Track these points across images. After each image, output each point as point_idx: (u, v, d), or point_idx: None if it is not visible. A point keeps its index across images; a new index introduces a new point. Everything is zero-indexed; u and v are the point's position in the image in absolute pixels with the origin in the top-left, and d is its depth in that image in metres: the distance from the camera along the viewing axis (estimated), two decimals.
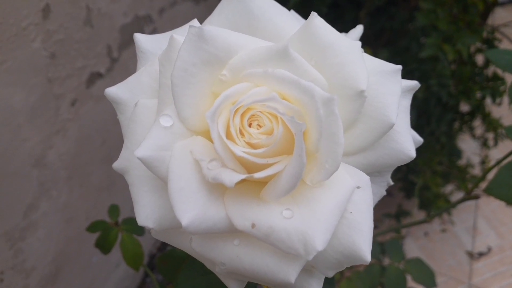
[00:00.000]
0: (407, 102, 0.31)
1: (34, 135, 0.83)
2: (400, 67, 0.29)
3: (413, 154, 0.29)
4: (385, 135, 0.28)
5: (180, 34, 0.27)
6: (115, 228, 0.68)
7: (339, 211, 0.25)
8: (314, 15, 0.28)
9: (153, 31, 1.16)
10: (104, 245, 0.67)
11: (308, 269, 0.28)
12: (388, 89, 0.28)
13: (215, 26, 0.27)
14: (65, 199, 0.97)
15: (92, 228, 0.68)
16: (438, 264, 1.75)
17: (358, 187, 0.26)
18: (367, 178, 0.27)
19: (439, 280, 1.69)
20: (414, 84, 0.31)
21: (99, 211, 1.10)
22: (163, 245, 1.58)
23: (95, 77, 0.97)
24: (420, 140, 0.33)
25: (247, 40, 0.27)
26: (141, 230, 0.69)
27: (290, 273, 0.25)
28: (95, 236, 0.68)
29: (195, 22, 0.30)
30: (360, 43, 0.28)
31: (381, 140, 0.28)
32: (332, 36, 0.28)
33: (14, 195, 0.82)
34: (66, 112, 0.90)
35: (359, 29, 0.33)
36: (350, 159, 0.28)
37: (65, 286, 1.05)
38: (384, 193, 0.31)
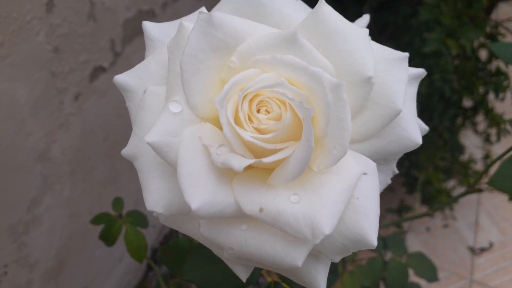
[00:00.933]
0: (413, 90, 0.31)
1: (37, 130, 0.83)
2: (407, 54, 0.29)
3: (419, 140, 0.29)
4: (392, 122, 0.28)
5: (189, 21, 0.28)
6: (119, 221, 0.68)
7: (345, 197, 0.25)
8: (322, 2, 0.28)
9: None
10: (108, 237, 0.67)
11: (315, 255, 0.28)
12: (395, 76, 0.28)
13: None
14: (68, 194, 0.97)
15: (96, 220, 0.69)
16: (440, 259, 1.75)
17: (364, 174, 0.26)
18: (373, 164, 0.27)
19: (441, 275, 1.69)
20: (421, 72, 0.31)
21: (103, 206, 1.11)
22: (166, 240, 1.59)
23: (98, 72, 0.97)
24: (425, 128, 0.33)
25: (255, 27, 0.28)
26: (144, 223, 0.70)
27: (298, 257, 0.25)
28: (98, 230, 0.68)
29: (203, 9, 0.30)
30: (367, 31, 0.28)
31: (387, 127, 0.29)
32: (340, 23, 0.28)
33: (18, 189, 0.83)
34: (69, 107, 0.90)
35: (365, 19, 0.34)
36: (357, 146, 0.29)
37: (68, 280, 1.06)
38: (389, 181, 0.32)
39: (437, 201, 1.47)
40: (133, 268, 1.38)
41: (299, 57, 0.26)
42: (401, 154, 0.31)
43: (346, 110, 0.24)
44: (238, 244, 0.26)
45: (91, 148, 1.02)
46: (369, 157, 0.28)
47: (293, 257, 0.25)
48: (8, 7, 0.69)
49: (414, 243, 1.81)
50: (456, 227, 1.87)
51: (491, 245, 1.79)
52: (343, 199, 0.25)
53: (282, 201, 0.25)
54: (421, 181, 1.44)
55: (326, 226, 0.23)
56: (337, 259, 0.27)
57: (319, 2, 0.28)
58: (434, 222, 1.88)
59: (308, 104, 0.24)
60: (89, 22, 0.90)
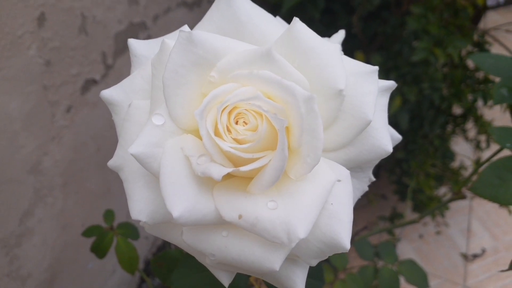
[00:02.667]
0: (384, 101, 0.33)
1: (30, 142, 0.84)
2: (376, 68, 0.30)
3: (389, 149, 0.31)
4: (363, 131, 0.30)
5: (171, 39, 0.29)
6: (110, 233, 0.68)
7: (320, 203, 0.26)
8: (296, 21, 0.30)
9: (148, 38, 1.17)
10: (99, 250, 0.68)
11: (293, 259, 0.29)
12: (366, 89, 0.29)
13: (204, 31, 0.29)
14: (60, 206, 0.97)
15: (87, 232, 0.69)
16: (433, 266, 1.76)
17: (338, 181, 0.28)
18: (347, 172, 0.29)
19: (434, 282, 1.70)
20: (391, 84, 0.33)
21: (95, 217, 1.10)
22: (158, 251, 1.59)
23: (90, 84, 0.98)
24: (398, 137, 0.35)
25: (234, 44, 0.29)
26: (136, 234, 0.70)
27: (275, 261, 0.26)
28: (90, 242, 0.69)
29: (185, 27, 0.31)
30: (339, 46, 0.30)
31: (360, 137, 0.30)
32: (313, 39, 0.29)
33: (10, 202, 0.83)
34: (61, 119, 0.91)
35: (341, 34, 0.35)
36: (332, 154, 0.30)
37: None
38: (366, 188, 0.33)
39: (429, 208, 1.48)
40: (126, 280, 1.38)
41: (274, 72, 0.27)
42: (375, 162, 0.32)
43: (318, 121, 0.25)
44: (219, 250, 0.27)
45: (83, 160, 1.02)
46: (344, 165, 0.29)
47: (271, 261, 0.26)
48: (0, 22, 0.70)
49: (407, 251, 1.82)
50: (449, 234, 1.88)
51: (483, 251, 1.80)
52: (317, 205, 0.26)
53: (260, 208, 0.26)
54: (411, 188, 1.46)
55: (301, 230, 0.25)
56: (314, 263, 0.29)
57: (293, 20, 0.29)
58: (426, 229, 1.89)
59: (283, 115, 0.26)
60: (81, 35, 0.91)
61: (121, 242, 0.67)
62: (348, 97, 0.29)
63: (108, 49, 1.01)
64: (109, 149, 1.10)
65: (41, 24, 0.79)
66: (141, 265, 1.44)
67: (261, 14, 0.32)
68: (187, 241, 0.28)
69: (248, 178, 0.28)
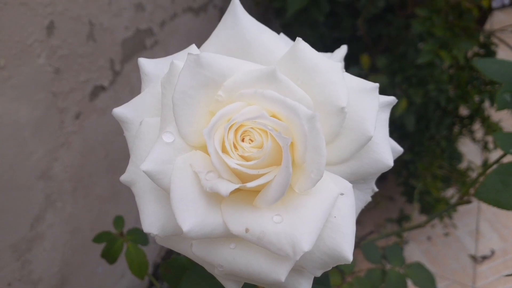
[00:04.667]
0: (385, 116, 0.34)
1: (39, 148, 0.85)
2: (377, 85, 0.31)
3: (390, 163, 0.32)
4: (365, 146, 0.30)
5: (179, 59, 0.31)
6: (120, 239, 0.69)
7: (324, 216, 0.27)
8: (299, 40, 0.31)
9: (154, 44, 1.18)
10: (109, 255, 0.69)
11: (298, 270, 0.30)
12: (367, 105, 0.30)
13: (211, 52, 0.30)
14: (70, 211, 0.99)
15: (98, 239, 0.70)
16: (441, 268, 1.76)
17: (342, 194, 0.29)
18: (350, 185, 0.30)
19: (443, 284, 1.70)
20: (391, 99, 0.34)
21: (104, 222, 1.12)
22: (167, 255, 1.60)
23: (98, 90, 0.99)
24: (400, 150, 0.36)
25: (240, 64, 0.30)
26: (145, 240, 0.71)
27: (281, 272, 0.28)
28: (100, 246, 0.70)
29: (193, 48, 0.32)
30: (341, 64, 0.31)
31: (362, 151, 0.31)
32: (315, 58, 0.30)
33: (20, 208, 0.84)
34: (70, 125, 0.92)
35: (343, 50, 0.36)
36: (335, 168, 0.31)
37: None
38: (370, 199, 0.34)
39: (436, 210, 1.48)
40: (135, 284, 1.39)
41: (279, 91, 0.28)
42: (377, 175, 0.33)
43: (321, 138, 0.26)
44: (227, 262, 0.28)
45: (92, 165, 1.03)
46: (347, 178, 0.30)
47: (277, 272, 0.27)
48: (10, 30, 0.72)
49: (415, 253, 1.82)
50: (457, 236, 1.87)
51: (492, 252, 1.79)
52: (321, 218, 0.27)
53: (266, 222, 0.27)
54: (418, 190, 1.45)
55: (306, 244, 0.26)
56: (318, 274, 0.30)
57: (296, 40, 0.31)
58: (435, 231, 1.88)
59: (287, 133, 0.27)
60: (89, 42, 0.92)
61: (131, 248, 0.68)
62: (350, 113, 0.30)
63: (115, 55, 1.03)
64: (117, 154, 1.11)
65: (50, 33, 0.80)
66: (150, 269, 1.45)
67: (266, 33, 0.34)
68: (197, 253, 0.29)
69: (255, 192, 0.29)
